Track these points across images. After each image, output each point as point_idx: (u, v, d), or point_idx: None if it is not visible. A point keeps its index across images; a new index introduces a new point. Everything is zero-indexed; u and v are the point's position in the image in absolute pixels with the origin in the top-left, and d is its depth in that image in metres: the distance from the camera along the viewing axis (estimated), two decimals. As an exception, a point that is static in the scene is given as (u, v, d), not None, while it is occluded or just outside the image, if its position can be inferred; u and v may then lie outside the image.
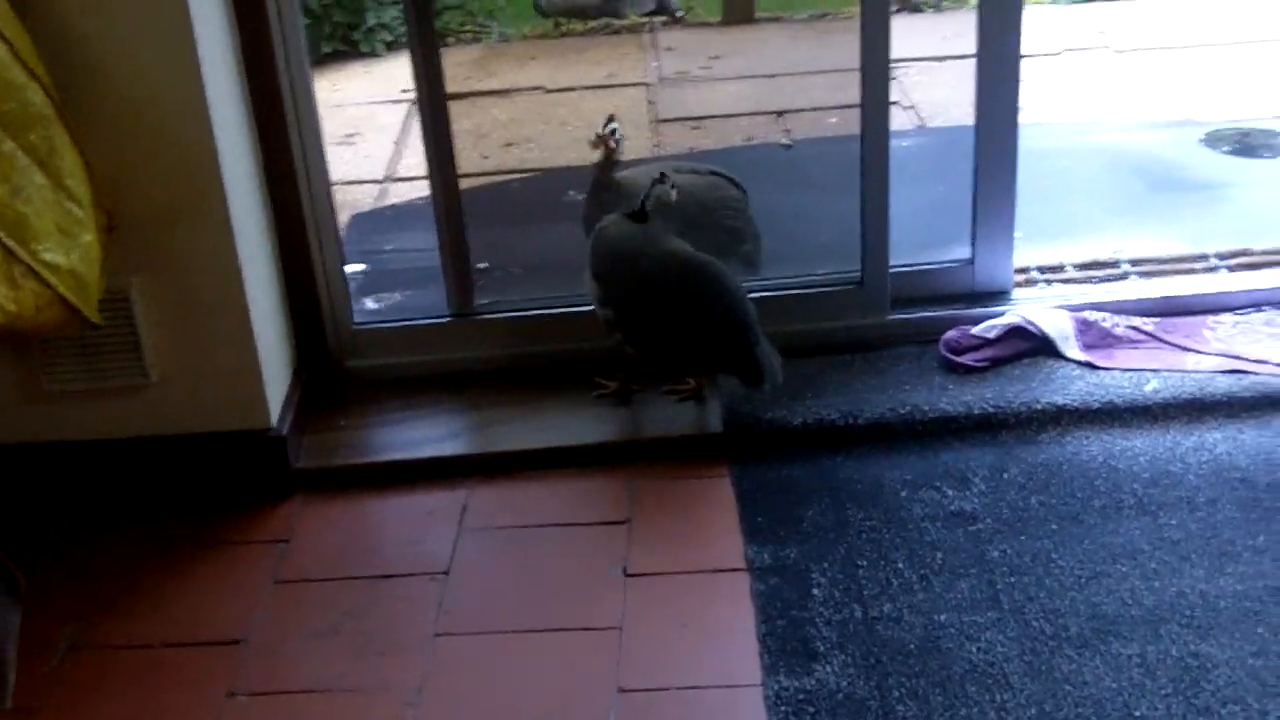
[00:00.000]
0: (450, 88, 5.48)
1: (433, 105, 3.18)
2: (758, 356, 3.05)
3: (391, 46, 6.08)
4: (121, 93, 2.69)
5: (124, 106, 2.70)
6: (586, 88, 5.45)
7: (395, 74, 5.74)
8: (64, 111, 2.56)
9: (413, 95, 5.33)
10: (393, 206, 4.50)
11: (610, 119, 3.29)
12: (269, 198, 3.09)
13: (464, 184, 4.52)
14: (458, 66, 5.72)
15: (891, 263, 3.35)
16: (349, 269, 3.35)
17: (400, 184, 4.70)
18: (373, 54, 5.97)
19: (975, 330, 3.28)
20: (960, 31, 5.77)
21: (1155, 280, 3.57)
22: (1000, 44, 3.23)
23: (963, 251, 3.45)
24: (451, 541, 2.86)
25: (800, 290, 3.37)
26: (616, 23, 6.30)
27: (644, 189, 3.12)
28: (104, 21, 2.65)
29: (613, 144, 3.24)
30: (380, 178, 4.71)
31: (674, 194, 3.09)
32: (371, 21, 5.95)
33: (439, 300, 3.48)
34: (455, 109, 5.22)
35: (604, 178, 3.26)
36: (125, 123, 2.71)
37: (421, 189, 4.58)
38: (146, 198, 2.77)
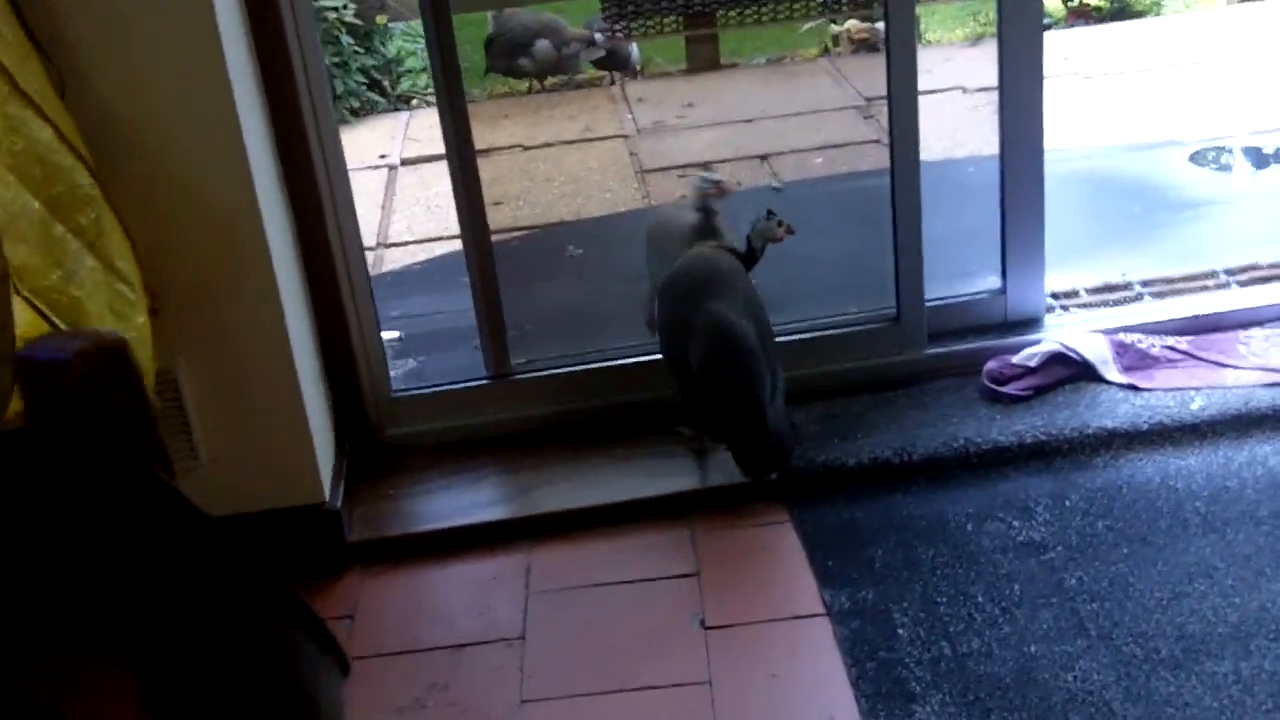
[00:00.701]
0: (424, 150, 5.51)
1: (463, 163, 3.14)
2: (753, 444, 3.01)
3: (358, 113, 6.05)
4: (163, 169, 2.65)
5: (166, 183, 2.65)
6: (566, 143, 5.44)
7: (367, 140, 5.72)
8: (108, 191, 2.51)
9: (390, 161, 5.41)
10: (392, 273, 4.46)
11: (705, 165, 3.30)
12: (304, 266, 3.04)
13: (457, 246, 4.53)
14: (429, 129, 5.70)
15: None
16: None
17: (394, 250, 4.66)
18: (341, 121, 5.92)
19: (1016, 359, 3.29)
20: (928, 68, 5.84)
21: (1171, 300, 3.60)
22: (1022, 74, 3.25)
23: (988, 283, 3.47)
24: (521, 606, 2.82)
25: (837, 329, 3.36)
26: (577, 78, 6.30)
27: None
28: (144, 98, 2.60)
29: (731, 187, 3.33)
30: (373, 244, 4.66)
31: (781, 231, 3.15)
32: (339, 89, 5.91)
33: (462, 364, 3.46)
34: (435, 171, 5.24)
35: (709, 222, 3.28)
36: (168, 200, 2.66)
37: (415, 254, 4.59)
38: (191, 275, 2.72)
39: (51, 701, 1.40)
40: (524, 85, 6.33)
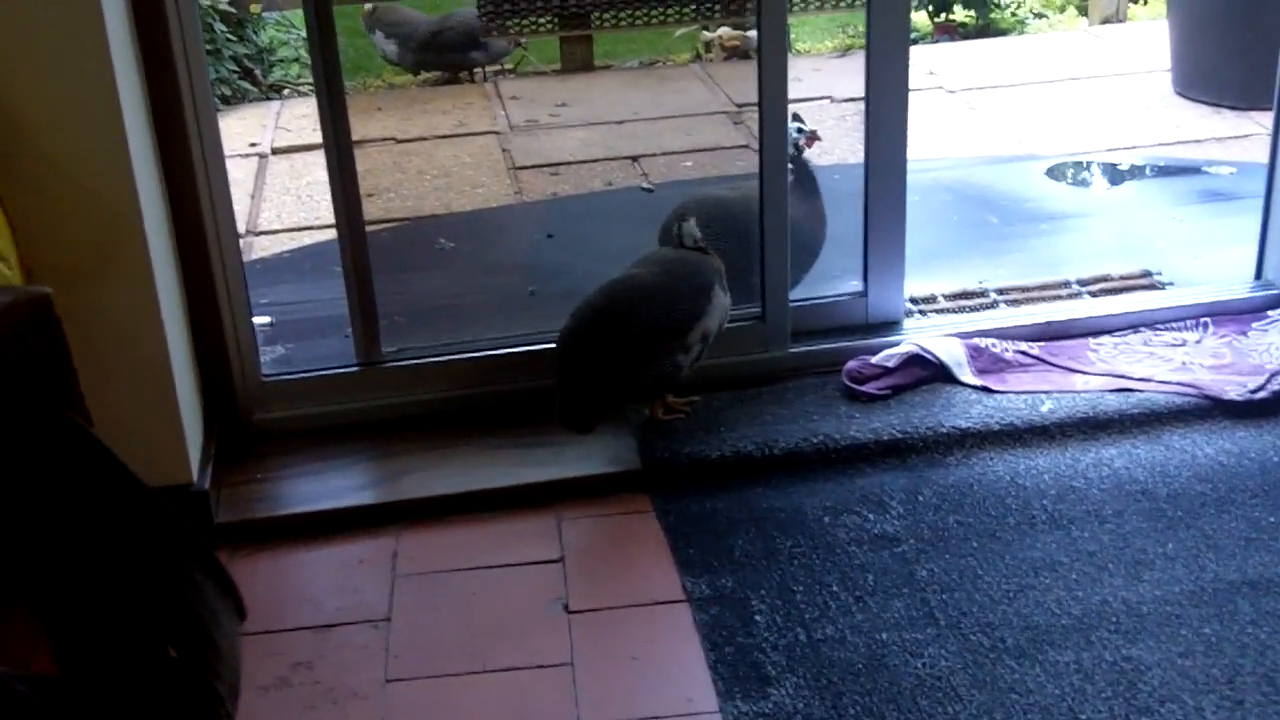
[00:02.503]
0: (295, 140, 5.52)
1: (340, 152, 3.18)
2: (559, 391, 3.16)
3: (229, 101, 6.04)
4: (43, 150, 2.65)
5: (45, 163, 2.66)
6: (439, 137, 5.48)
7: (238, 128, 5.71)
8: (-13, 168, 2.54)
9: (260, 150, 5.41)
10: (261, 261, 4.46)
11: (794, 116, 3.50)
12: (178, 250, 3.07)
13: (327, 235, 4.56)
14: (302, 119, 5.72)
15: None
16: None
17: (263, 237, 4.67)
18: (212, 109, 5.91)
19: (875, 359, 3.40)
20: (797, 77, 5.96)
21: (1026, 307, 3.73)
22: (888, 86, 3.36)
23: (850, 286, 3.58)
24: (388, 588, 2.86)
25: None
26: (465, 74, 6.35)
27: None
28: (27, 77, 2.61)
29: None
30: (242, 232, 4.66)
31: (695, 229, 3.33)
32: (210, 75, 5.89)
33: (331, 352, 3.51)
34: (305, 161, 5.26)
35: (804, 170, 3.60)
36: (46, 179, 2.67)
37: (285, 242, 4.60)
38: (67, 254, 2.73)
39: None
40: (400, 78, 6.37)
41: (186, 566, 1.37)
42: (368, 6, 6.22)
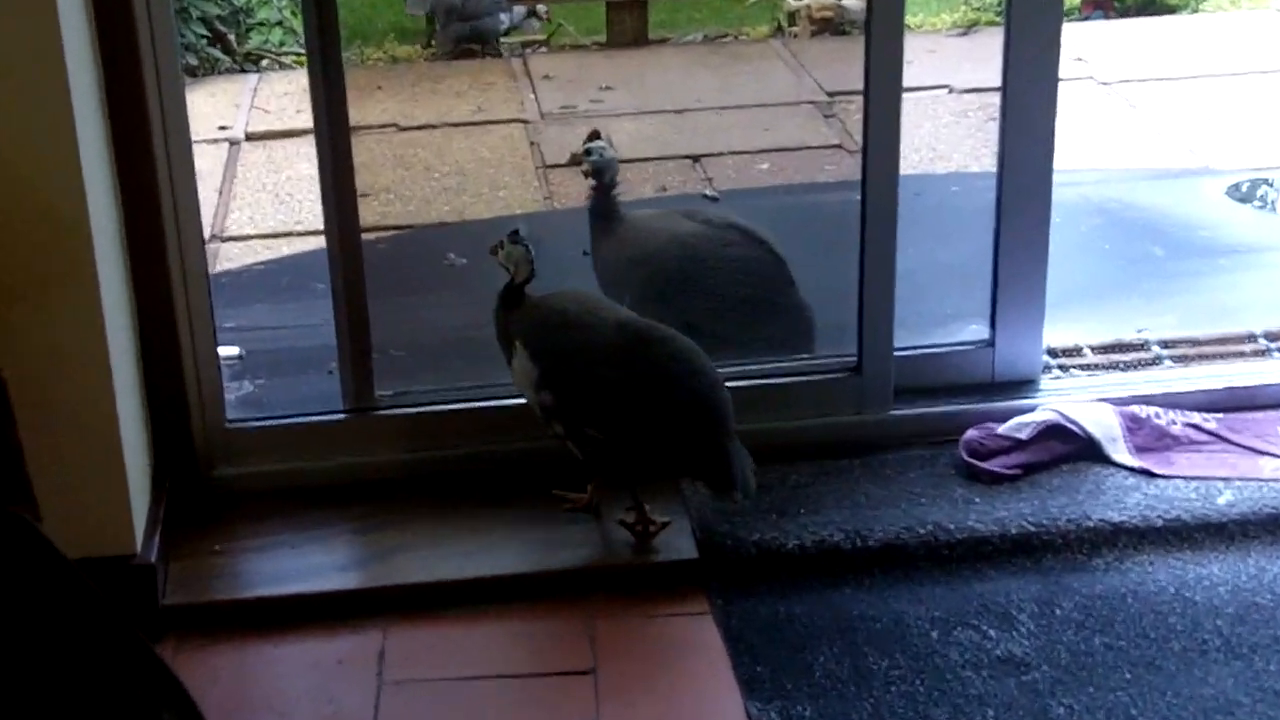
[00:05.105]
0: (276, 124, 5.57)
1: (334, 142, 3.19)
2: (729, 455, 3.09)
3: (195, 73, 6.09)
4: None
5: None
6: (451, 125, 5.51)
7: (205, 107, 5.74)
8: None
9: (231, 134, 5.46)
10: (228, 274, 4.49)
11: (593, 135, 3.54)
12: (130, 260, 3.10)
13: (311, 244, 4.59)
14: (284, 97, 5.76)
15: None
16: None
17: (232, 245, 4.71)
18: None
19: (1002, 429, 3.38)
20: (907, 59, 5.96)
21: (1198, 366, 3.71)
22: (1032, 76, 3.35)
23: (975, 329, 3.58)
24: (373, 699, 2.85)
25: (784, 379, 3.45)
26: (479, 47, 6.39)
27: (655, 233, 3.44)
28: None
29: (586, 167, 3.55)
30: (207, 237, 4.70)
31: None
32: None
33: (312, 392, 3.54)
34: (287, 151, 5.31)
35: (602, 212, 3.62)
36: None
37: (258, 251, 4.64)
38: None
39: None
40: (405, 49, 6.42)
41: (152, 703, 1.38)
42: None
